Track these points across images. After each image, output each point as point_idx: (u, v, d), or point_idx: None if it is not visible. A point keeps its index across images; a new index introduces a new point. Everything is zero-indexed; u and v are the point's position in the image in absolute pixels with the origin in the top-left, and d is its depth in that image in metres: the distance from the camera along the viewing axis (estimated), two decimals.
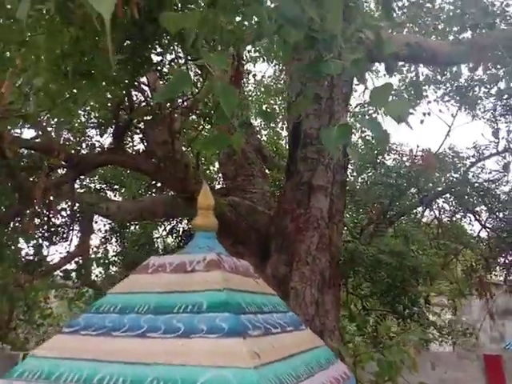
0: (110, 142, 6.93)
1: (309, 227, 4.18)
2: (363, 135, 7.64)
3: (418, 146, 4.88)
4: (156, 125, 4.75)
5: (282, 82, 10.14)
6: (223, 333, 1.59)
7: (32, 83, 2.23)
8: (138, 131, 5.11)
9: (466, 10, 6.90)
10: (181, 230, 7.92)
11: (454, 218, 7.47)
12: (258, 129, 9.14)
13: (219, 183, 8.03)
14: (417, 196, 6.48)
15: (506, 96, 6.82)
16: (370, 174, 7.89)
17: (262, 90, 10.41)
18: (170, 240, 8.74)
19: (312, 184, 4.32)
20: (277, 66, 9.75)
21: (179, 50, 3.62)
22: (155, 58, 2.86)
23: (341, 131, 1.77)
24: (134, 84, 3.51)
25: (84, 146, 6.17)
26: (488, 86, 7.92)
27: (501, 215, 7.13)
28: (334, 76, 4.11)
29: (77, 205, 5.24)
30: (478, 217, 7.12)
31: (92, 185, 7.51)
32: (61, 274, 7.24)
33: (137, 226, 8.34)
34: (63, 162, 4.36)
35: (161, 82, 5.05)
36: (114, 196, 7.85)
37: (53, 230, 5.52)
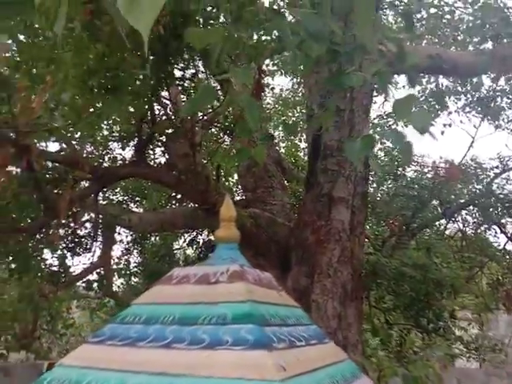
0: (131, 154, 7.08)
1: (330, 239, 4.15)
2: (383, 146, 7.60)
3: (440, 158, 4.83)
4: (177, 138, 4.82)
5: (300, 94, 10.19)
6: (248, 345, 1.58)
7: (59, 98, 2.30)
8: (159, 144, 5.20)
9: (486, 21, 6.84)
10: (201, 241, 7.96)
11: (479, 231, 7.30)
12: (276, 141, 9.17)
13: (238, 195, 8.07)
14: (439, 208, 6.37)
15: None
16: (390, 185, 7.81)
17: (280, 102, 10.48)
18: (189, 251, 8.80)
19: (333, 196, 4.30)
20: (294, 79, 9.82)
21: (199, 65, 3.70)
22: (177, 73, 2.92)
23: (364, 143, 1.77)
24: (157, 98, 3.58)
25: (106, 159, 6.31)
26: (510, 97, 7.79)
27: None
28: (354, 88, 4.11)
29: (100, 216, 5.34)
30: (503, 229, 6.95)
31: (114, 197, 7.65)
32: (83, 284, 7.36)
33: (157, 238, 8.43)
34: (87, 175, 4.47)
35: (182, 96, 5.16)
36: (136, 208, 7.98)
37: (76, 241, 5.63)
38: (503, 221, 6.92)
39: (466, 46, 8.10)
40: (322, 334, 2.37)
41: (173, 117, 4.62)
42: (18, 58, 2.37)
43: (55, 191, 4.25)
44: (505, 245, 7.37)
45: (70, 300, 8.77)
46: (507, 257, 7.24)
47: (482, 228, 7.32)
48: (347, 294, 4.20)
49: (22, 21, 2.44)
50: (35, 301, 5.78)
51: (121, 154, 6.48)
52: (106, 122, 3.49)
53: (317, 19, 1.65)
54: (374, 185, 7.88)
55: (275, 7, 1.59)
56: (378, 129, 7.94)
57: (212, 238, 7.72)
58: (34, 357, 9.95)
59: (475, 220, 7.46)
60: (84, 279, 6.93)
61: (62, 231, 4.90)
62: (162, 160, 5.71)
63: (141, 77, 2.28)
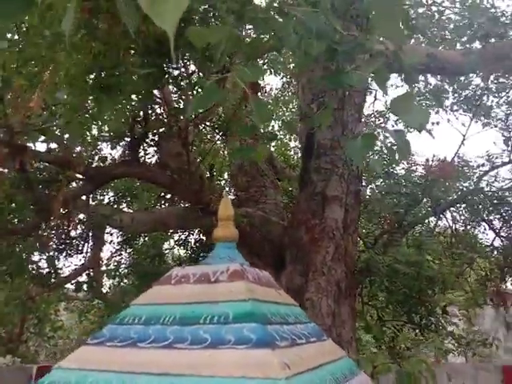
0: (125, 154, 7.02)
1: (324, 238, 4.18)
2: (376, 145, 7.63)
3: (433, 156, 4.90)
4: (170, 137, 4.80)
5: (290, 93, 10.21)
6: (251, 343, 1.58)
7: (55, 97, 2.27)
8: (151, 144, 5.17)
9: (473, 20, 6.92)
10: (192, 241, 7.93)
11: (468, 227, 7.40)
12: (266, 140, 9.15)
13: (230, 194, 8.05)
14: (429, 205, 6.44)
15: None
16: (379, 183, 7.87)
17: (271, 101, 10.49)
18: (180, 252, 8.75)
19: (326, 194, 4.32)
20: (284, 79, 9.84)
21: (191, 64, 3.68)
22: (173, 72, 2.91)
23: (365, 141, 1.78)
24: (152, 97, 3.56)
25: (96, 158, 6.24)
26: (497, 95, 7.91)
27: None
28: (339, 88, 4.13)
29: (91, 217, 5.28)
30: (491, 225, 7.05)
31: (103, 197, 7.56)
32: (72, 286, 7.27)
33: (146, 238, 8.36)
34: (80, 175, 4.42)
35: (173, 96, 5.13)
36: (126, 208, 7.90)
37: (68, 242, 5.57)
38: (491, 217, 7.03)
39: (454, 45, 8.19)
40: (321, 332, 2.39)
41: (165, 116, 4.59)
42: (12, 57, 2.35)
43: (47, 192, 4.19)
44: (493, 241, 7.50)
45: (59, 302, 8.66)
46: (495, 253, 7.36)
47: (471, 225, 7.42)
48: (341, 291, 4.23)
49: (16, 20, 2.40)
50: (22, 303, 5.70)
51: (110, 154, 6.43)
52: (95, 122, 3.44)
53: (318, 17, 1.65)
54: (363, 183, 7.92)
55: (276, 5, 1.59)
56: (369, 128, 7.99)
57: (204, 237, 7.71)
58: (20, 361, 9.81)
59: (464, 217, 7.56)
60: (73, 281, 6.86)
61: (54, 232, 4.83)
62: (153, 160, 5.68)
63: (136, 76, 2.27)
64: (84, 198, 4.76)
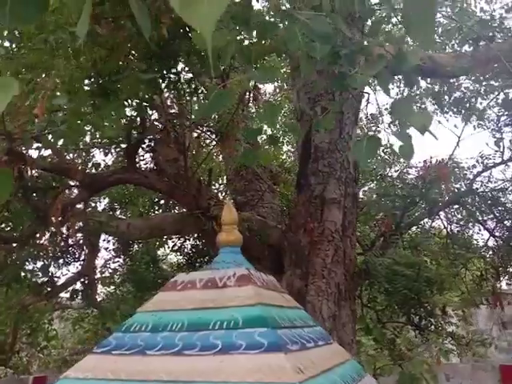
0: (113, 161, 6.99)
1: (323, 241, 4.18)
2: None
3: (431, 157, 4.95)
4: (166, 143, 4.78)
5: (282, 97, 10.26)
6: (263, 348, 1.57)
7: (57, 104, 2.26)
8: (147, 150, 5.14)
9: (463, 23, 7.02)
10: (189, 246, 7.89)
11: (463, 228, 7.46)
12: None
13: (226, 199, 8.03)
14: (424, 207, 6.49)
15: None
16: (372, 185, 7.91)
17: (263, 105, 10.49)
18: (176, 258, 8.69)
19: (324, 197, 4.33)
20: (276, 83, 9.88)
21: (186, 69, 3.68)
22: (173, 77, 2.90)
23: (370, 144, 1.79)
24: (152, 102, 3.55)
25: (89, 165, 6.19)
26: (485, 97, 8.01)
27: (508, 224, 7.13)
28: (343, 91, 4.16)
29: (87, 224, 5.23)
30: (485, 225, 7.11)
31: (97, 204, 7.50)
32: (66, 295, 7.19)
33: (141, 245, 8.31)
34: (77, 182, 4.38)
35: (169, 101, 5.11)
36: (121, 214, 7.85)
37: (64, 249, 5.51)
38: (486, 218, 7.09)
39: (444, 48, 8.29)
40: (327, 335, 2.39)
41: (163, 121, 4.57)
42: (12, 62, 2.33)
43: (44, 199, 4.15)
44: (487, 241, 7.56)
45: (52, 311, 8.54)
46: (490, 253, 7.43)
47: (466, 225, 7.48)
48: (341, 294, 4.24)
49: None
50: (15, 313, 5.61)
51: (104, 161, 6.39)
52: (94, 128, 3.42)
53: (324, 21, 1.66)
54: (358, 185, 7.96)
55: (284, 8, 1.60)
56: (366, 130, 8.06)
57: (199, 243, 7.67)
58: (12, 372, 9.64)
59: (458, 218, 7.62)
60: (68, 289, 6.78)
61: (51, 240, 4.78)
62: (149, 166, 5.65)
63: (139, 81, 2.26)
64: (81, 205, 4.72)
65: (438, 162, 5.04)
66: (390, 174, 7.74)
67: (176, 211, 7.38)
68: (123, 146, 5.26)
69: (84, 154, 6.12)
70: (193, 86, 3.05)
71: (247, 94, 3.54)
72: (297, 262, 4.35)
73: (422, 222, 7.14)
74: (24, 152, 3.10)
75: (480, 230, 7.35)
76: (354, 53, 1.96)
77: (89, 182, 4.35)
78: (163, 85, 2.67)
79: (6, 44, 2.83)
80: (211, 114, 2.71)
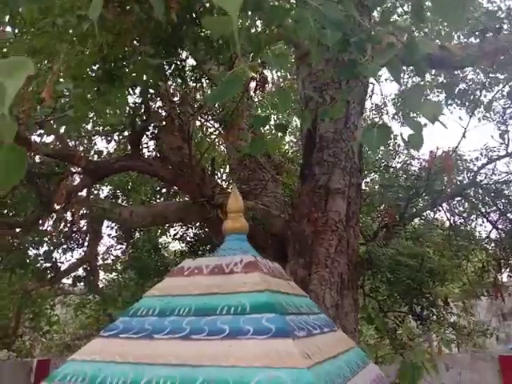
0: (115, 148, 6.98)
1: (327, 230, 4.19)
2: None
3: (437, 148, 4.92)
4: (170, 130, 4.77)
5: (286, 86, 10.20)
6: (271, 334, 1.58)
7: (65, 88, 2.25)
8: (151, 137, 5.13)
9: (470, 15, 6.94)
10: (191, 234, 7.91)
11: (466, 220, 7.47)
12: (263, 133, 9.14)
13: (228, 188, 8.03)
14: (427, 198, 6.48)
15: None
16: (375, 176, 7.90)
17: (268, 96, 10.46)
18: (179, 245, 8.73)
19: (329, 187, 4.33)
20: (279, 73, 9.83)
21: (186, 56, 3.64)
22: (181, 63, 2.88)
23: (380, 133, 1.79)
24: (158, 88, 3.53)
25: (92, 152, 6.20)
26: (490, 90, 7.96)
27: (511, 217, 7.13)
28: (350, 80, 4.13)
29: (91, 211, 5.24)
30: (488, 218, 7.11)
31: (99, 191, 7.53)
32: (69, 281, 7.25)
33: (142, 232, 8.33)
34: (80, 169, 4.38)
35: (171, 89, 5.09)
36: (123, 202, 7.87)
37: (68, 235, 5.54)
38: (489, 210, 7.10)
39: (450, 40, 8.21)
40: (332, 323, 2.40)
41: (166, 109, 4.56)
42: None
43: (48, 185, 4.15)
44: (489, 233, 7.58)
45: (55, 296, 8.63)
46: (492, 245, 7.44)
47: (469, 218, 7.49)
48: (344, 283, 4.26)
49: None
50: (19, 298, 5.67)
51: (106, 148, 6.40)
52: (99, 114, 3.41)
53: (336, 7, 1.64)
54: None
55: None
56: (369, 121, 8.03)
57: (201, 231, 7.70)
58: (15, 355, 9.77)
59: (460, 210, 7.63)
60: (70, 275, 6.83)
61: (55, 226, 4.80)
62: (155, 153, 5.64)
63: (146, 66, 2.24)
64: (84, 191, 4.72)
65: (444, 152, 5.02)
66: (393, 165, 7.73)
67: (180, 199, 7.39)
68: (125, 133, 5.26)
69: (86, 141, 6.12)
70: (197, 74, 3.02)
71: (252, 82, 3.53)
72: (300, 252, 4.36)
73: (424, 214, 7.16)
74: (29, 137, 3.09)
75: (483, 222, 7.37)
76: (364, 41, 1.94)
77: (92, 169, 4.34)
78: (169, 71, 2.66)
79: (8, 29, 2.82)
80: (223, 99, 2.70)
